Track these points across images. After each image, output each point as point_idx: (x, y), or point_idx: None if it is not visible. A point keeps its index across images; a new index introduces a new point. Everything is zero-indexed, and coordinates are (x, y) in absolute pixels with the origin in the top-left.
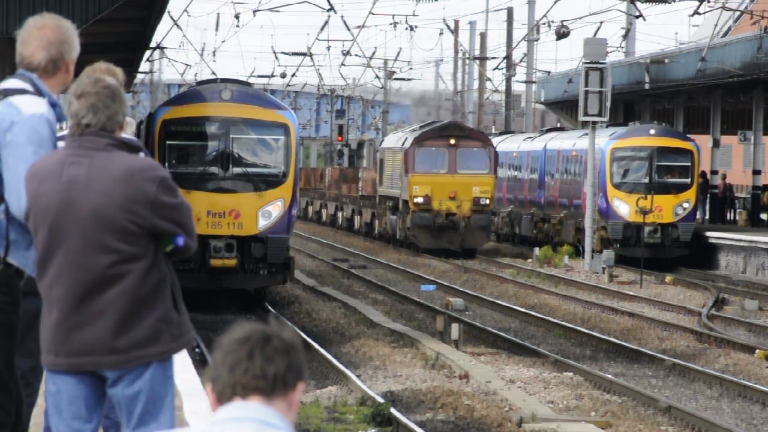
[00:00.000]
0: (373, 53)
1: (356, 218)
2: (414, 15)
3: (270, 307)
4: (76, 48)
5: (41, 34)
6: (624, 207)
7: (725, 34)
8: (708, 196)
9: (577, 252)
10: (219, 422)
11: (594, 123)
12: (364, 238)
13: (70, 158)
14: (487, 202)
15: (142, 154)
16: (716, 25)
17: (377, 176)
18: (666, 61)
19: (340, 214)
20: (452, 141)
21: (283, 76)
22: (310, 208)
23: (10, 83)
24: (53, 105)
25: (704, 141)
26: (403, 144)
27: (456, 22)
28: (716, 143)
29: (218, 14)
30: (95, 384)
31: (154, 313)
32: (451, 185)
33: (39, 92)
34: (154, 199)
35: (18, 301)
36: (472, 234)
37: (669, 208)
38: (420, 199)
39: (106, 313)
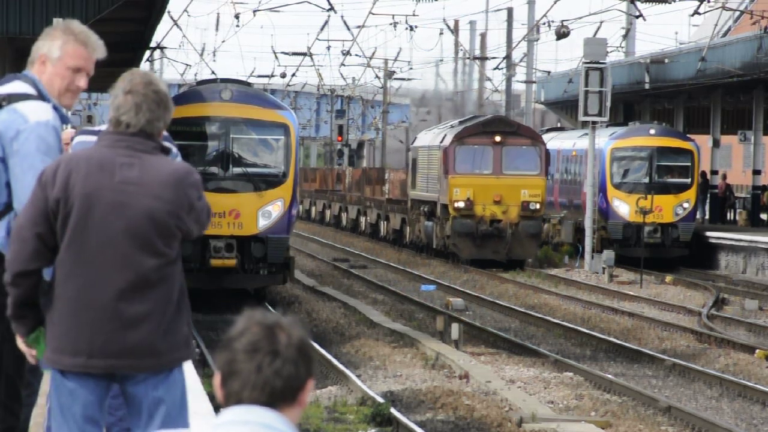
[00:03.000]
0: (373, 53)
1: (382, 224)
2: (414, 15)
3: (270, 307)
4: (58, 47)
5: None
6: (624, 207)
7: (725, 34)
8: (708, 196)
9: (577, 252)
10: (222, 425)
11: (594, 123)
12: (391, 247)
13: (121, 158)
14: (537, 206)
15: (175, 153)
16: (716, 25)
17: (409, 178)
18: (666, 61)
19: (362, 220)
20: (497, 138)
21: (283, 76)
22: (328, 212)
23: (14, 86)
24: (55, 108)
25: (704, 141)
26: (441, 141)
27: (456, 22)
28: (716, 143)
29: (218, 14)
30: (107, 385)
31: (185, 316)
32: (496, 188)
33: (42, 96)
34: (192, 204)
35: None
36: (520, 243)
37: (669, 208)
38: (461, 204)
39: (152, 316)
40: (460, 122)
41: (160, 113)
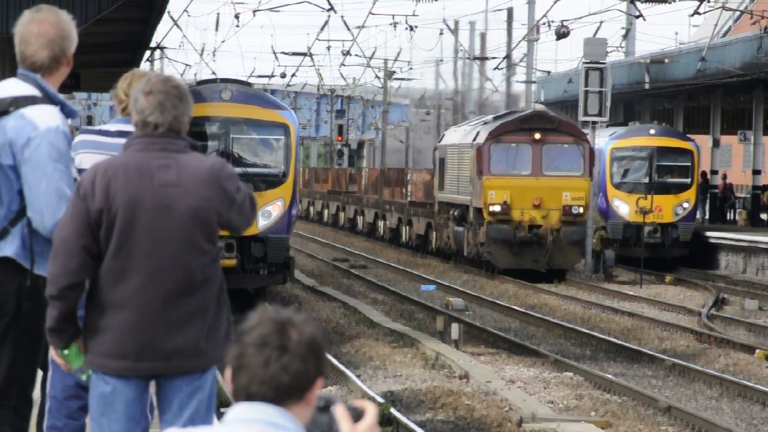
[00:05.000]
0: (373, 53)
1: (404, 229)
2: (414, 15)
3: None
4: (75, 40)
5: (41, 30)
6: (624, 207)
7: (725, 34)
8: (708, 196)
9: None
10: (228, 422)
11: (594, 123)
12: (414, 253)
13: (158, 161)
14: (581, 211)
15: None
16: (716, 25)
17: (436, 179)
18: (666, 61)
19: (381, 224)
20: (537, 135)
21: (283, 76)
22: (342, 215)
23: (18, 88)
24: (61, 105)
25: (704, 141)
26: (474, 139)
27: (456, 22)
28: (716, 143)
29: (218, 14)
30: (148, 384)
31: (225, 311)
32: (535, 190)
33: (47, 96)
34: (232, 197)
35: (43, 310)
36: (561, 251)
37: (669, 208)
38: (497, 207)
39: (197, 316)
40: (495, 118)
41: (183, 108)
